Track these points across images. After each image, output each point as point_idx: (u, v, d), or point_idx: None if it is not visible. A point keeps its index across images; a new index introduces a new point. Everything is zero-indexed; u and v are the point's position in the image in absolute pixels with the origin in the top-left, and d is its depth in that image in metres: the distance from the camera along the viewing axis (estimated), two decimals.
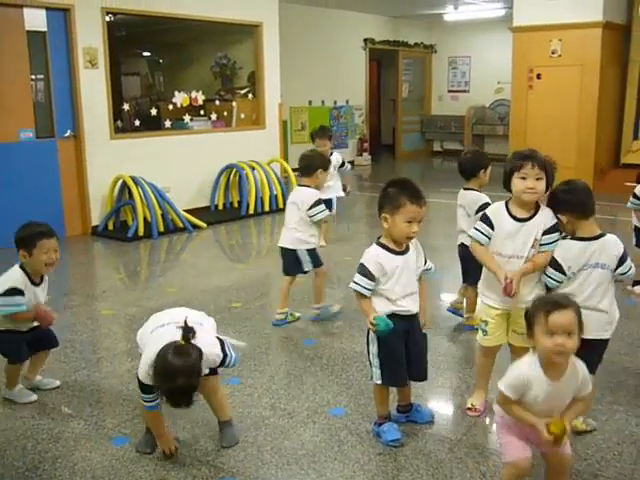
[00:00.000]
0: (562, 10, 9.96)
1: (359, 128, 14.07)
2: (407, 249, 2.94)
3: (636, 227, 5.22)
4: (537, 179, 2.92)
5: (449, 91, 15.65)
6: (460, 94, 15.40)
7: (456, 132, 14.98)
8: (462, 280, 4.48)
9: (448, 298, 4.86)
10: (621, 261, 2.90)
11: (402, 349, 2.94)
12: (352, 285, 2.91)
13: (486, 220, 3.08)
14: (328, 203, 5.91)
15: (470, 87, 15.27)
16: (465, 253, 3.96)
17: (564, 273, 2.93)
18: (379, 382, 2.99)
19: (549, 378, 2.28)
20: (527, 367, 2.32)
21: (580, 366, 2.35)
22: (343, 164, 6.70)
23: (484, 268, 3.15)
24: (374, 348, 2.95)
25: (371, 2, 12.18)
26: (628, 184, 9.82)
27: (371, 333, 2.95)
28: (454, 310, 4.63)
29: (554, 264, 2.95)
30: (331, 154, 6.42)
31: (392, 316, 2.87)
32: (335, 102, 13.35)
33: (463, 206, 4.20)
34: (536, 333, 2.27)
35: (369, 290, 2.88)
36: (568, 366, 2.30)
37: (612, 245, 2.91)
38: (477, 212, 3.96)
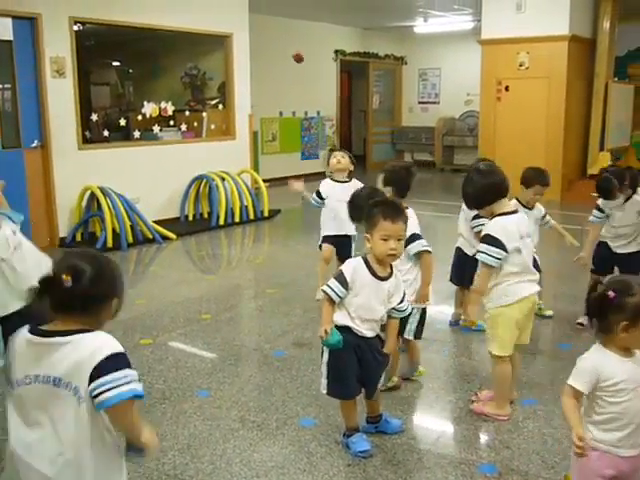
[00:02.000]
0: (529, 23, 10.12)
1: (330, 139, 14.10)
2: (388, 277, 2.90)
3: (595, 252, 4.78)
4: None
5: (419, 102, 15.77)
6: (430, 105, 15.53)
7: (426, 143, 15.09)
8: (456, 283, 4.62)
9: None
10: None
11: (352, 362, 2.90)
12: (324, 287, 2.89)
13: None
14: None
15: (440, 99, 15.42)
16: (461, 258, 4.40)
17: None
18: (324, 392, 2.99)
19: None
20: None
21: None
22: None
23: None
24: (325, 357, 2.96)
25: (342, 14, 12.25)
26: (595, 195, 10.04)
27: None
28: (467, 327, 4.52)
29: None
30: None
31: (347, 329, 2.87)
32: (306, 113, 13.39)
33: (465, 210, 4.32)
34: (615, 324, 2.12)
35: (339, 297, 2.86)
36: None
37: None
38: (473, 218, 4.23)
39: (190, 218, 8.75)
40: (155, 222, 7.78)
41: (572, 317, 4.82)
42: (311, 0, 10.61)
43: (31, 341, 1.82)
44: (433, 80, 15.48)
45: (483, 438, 3.20)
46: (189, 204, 8.75)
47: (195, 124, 9.22)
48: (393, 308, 2.94)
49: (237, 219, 8.58)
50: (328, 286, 2.87)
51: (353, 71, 15.77)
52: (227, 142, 9.32)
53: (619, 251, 4.56)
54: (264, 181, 9.38)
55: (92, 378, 1.74)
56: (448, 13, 11.98)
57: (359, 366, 2.92)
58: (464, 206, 4.26)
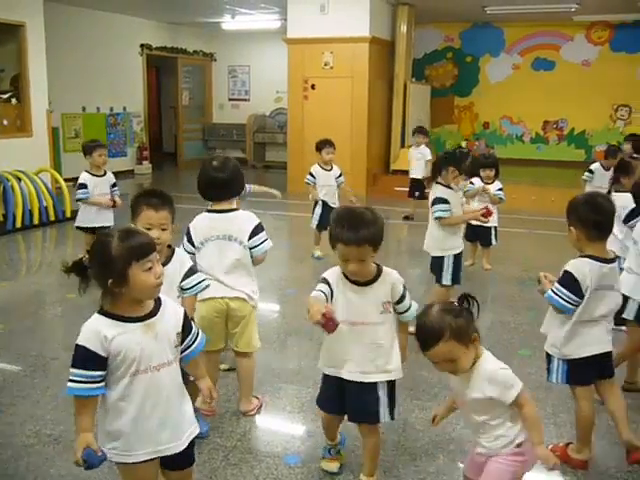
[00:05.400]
0: (333, 24, 10.43)
1: (138, 136, 13.67)
2: (167, 262, 2.76)
3: None
4: None
5: (230, 99, 15.74)
6: (241, 102, 15.56)
7: (238, 140, 15.10)
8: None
9: None
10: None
11: None
12: None
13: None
14: None
15: (250, 96, 15.49)
16: None
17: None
18: None
19: None
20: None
21: None
22: None
23: None
24: None
25: (146, 7, 11.91)
26: (398, 189, 10.62)
27: None
28: None
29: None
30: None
31: None
32: (111, 109, 12.85)
33: None
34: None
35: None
36: None
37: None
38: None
39: None
40: None
41: None
42: None
43: None
44: (243, 77, 15.53)
45: (289, 430, 3.24)
46: None
47: None
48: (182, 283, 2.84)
49: (36, 221, 8.06)
50: None
51: (161, 66, 15.43)
52: (22, 139, 8.71)
53: None
54: (67, 180, 8.86)
55: None
56: (255, 11, 12.06)
57: None
58: None
